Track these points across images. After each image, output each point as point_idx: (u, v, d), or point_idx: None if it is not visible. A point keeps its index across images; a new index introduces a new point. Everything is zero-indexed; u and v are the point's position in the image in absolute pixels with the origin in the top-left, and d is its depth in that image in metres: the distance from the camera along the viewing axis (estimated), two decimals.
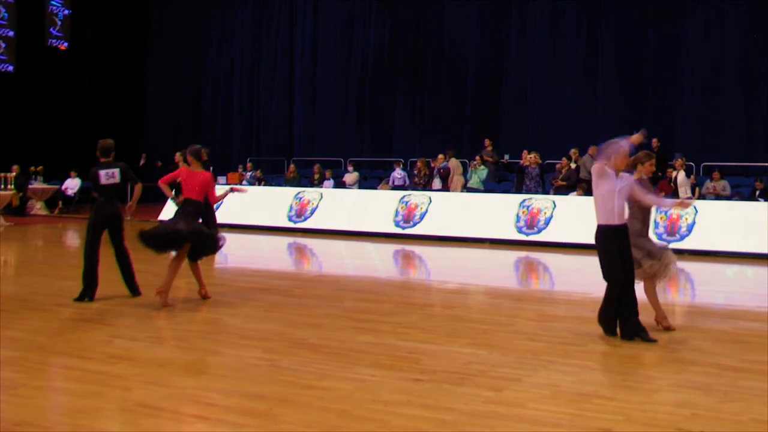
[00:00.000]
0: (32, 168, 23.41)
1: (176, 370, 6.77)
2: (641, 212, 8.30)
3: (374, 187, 21.67)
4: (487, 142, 21.20)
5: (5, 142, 24.75)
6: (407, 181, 22.29)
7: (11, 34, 26.51)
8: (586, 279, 11.70)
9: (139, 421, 5.48)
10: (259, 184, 22.59)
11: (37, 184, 23.23)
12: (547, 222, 16.62)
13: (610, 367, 7.09)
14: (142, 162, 25.77)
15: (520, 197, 17.44)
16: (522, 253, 15.67)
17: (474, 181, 19.52)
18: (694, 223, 15.44)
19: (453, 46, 24.86)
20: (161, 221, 10.23)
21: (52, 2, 27.78)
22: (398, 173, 22.38)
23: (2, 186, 20.59)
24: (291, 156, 25.93)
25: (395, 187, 22.26)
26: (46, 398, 6.23)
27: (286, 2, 27.79)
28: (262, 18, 28.28)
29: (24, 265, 13.71)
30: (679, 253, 14.64)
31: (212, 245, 9.99)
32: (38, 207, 23.19)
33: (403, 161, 22.81)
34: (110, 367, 6.87)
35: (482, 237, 16.87)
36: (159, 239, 9.53)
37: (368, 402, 5.97)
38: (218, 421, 5.52)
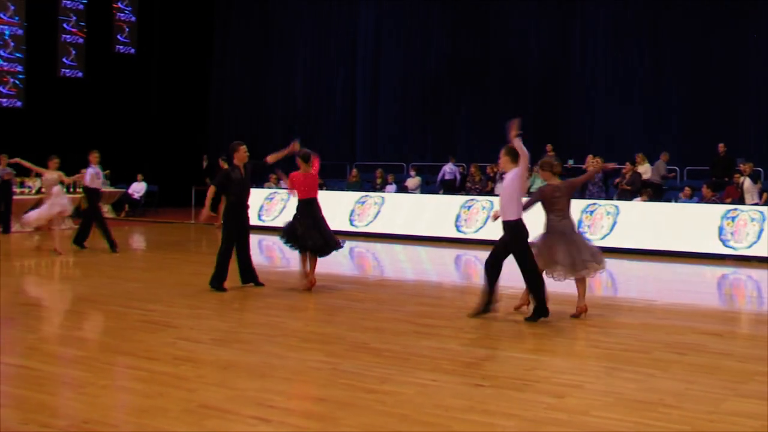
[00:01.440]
0: (106, 171, 23.84)
1: (239, 373, 6.83)
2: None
3: (436, 192, 21.66)
4: (548, 147, 21.01)
5: (74, 146, 25.21)
6: (458, 177, 22.28)
7: (80, 41, 27.07)
8: (651, 286, 11.55)
9: (202, 422, 5.54)
10: (320, 189, 22.65)
11: (104, 188, 23.64)
12: (612, 228, 16.42)
13: (675, 375, 6.94)
14: (204, 164, 26.19)
15: (583, 202, 17.25)
16: None
17: (536, 186, 19.36)
18: (762, 230, 15.14)
19: (515, 50, 24.72)
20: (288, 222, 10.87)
21: (120, 9, 28.31)
22: (449, 167, 22.35)
23: (71, 189, 21.02)
24: (353, 161, 26.02)
25: (444, 182, 22.29)
26: (112, 397, 6.33)
27: (348, 6, 27.91)
28: (324, 22, 28.42)
29: (92, 266, 13.97)
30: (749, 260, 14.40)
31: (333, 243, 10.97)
32: (105, 210, 23.62)
33: (455, 156, 22.84)
34: (174, 368, 6.96)
35: None
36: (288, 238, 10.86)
37: (429, 407, 5.96)
38: (280, 424, 5.55)
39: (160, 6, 29.23)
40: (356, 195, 20.09)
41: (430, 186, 22.98)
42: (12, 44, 25.12)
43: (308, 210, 10.95)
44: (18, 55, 25.27)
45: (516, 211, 9.21)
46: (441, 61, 26.05)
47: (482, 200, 18.36)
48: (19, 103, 25.38)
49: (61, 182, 15.97)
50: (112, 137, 26.33)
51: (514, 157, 9.40)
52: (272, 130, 28.91)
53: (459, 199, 18.83)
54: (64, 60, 26.61)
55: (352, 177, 23.17)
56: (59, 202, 15.61)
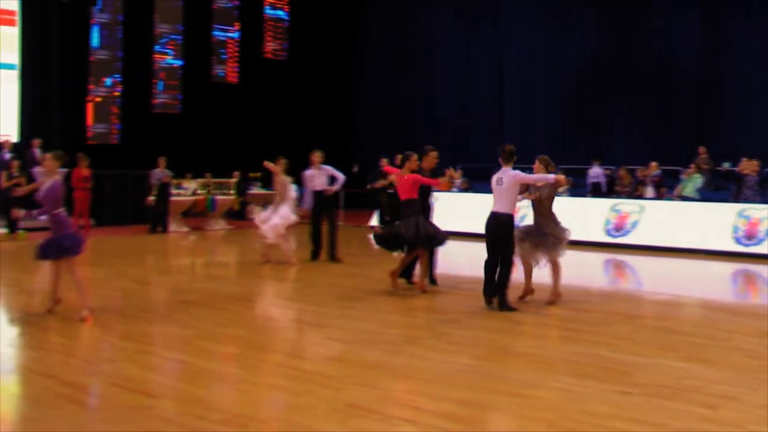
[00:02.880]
0: (251, 174, 24.53)
1: (385, 373, 6.91)
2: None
3: (586, 196, 21.29)
4: (701, 149, 20.34)
5: (227, 149, 26.10)
6: (604, 180, 21.83)
7: (236, 46, 28.02)
8: None
9: (348, 421, 5.64)
10: (466, 192, 22.73)
11: (256, 190, 24.30)
12: None
13: None
14: (355, 169, 26.64)
15: (738, 206, 16.62)
16: (740, 265, 14.94)
17: (689, 189, 18.78)
18: None
19: (668, 52, 24.04)
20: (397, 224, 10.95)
21: (270, 14, 29.14)
22: (594, 171, 21.91)
23: (224, 191, 21.77)
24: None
25: (593, 185, 21.90)
26: (263, 394, 6.51)
27: (495, 9, 27.78)
28: (471, 26, 28.39)
29: (244, 266, 14.41)
30: None
31: (435, 240, 10.96)
32: (257, 211, 24.24)
33: (603, 159, 22.42)
34: (322, 367, 7.11)
35: (696, 248, 16.20)
36: (387, 240, 10.91)
37: (575, 413, 5.88)
38: (425, 425, 5.59)
39: (310, 13, 29.87)
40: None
41: (579, 189, 22.59)
42: (170, 50, 26.21)
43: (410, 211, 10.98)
44: (178, 62, 26.33)
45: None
46: (590, 63, 25.60)
47: (632, 204, 17.94)
48: (177, 107, 26.44)
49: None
50: (263, 140, 27.09)
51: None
52: (419, 134, 29.03)
53: (608, 203, 18.45)
54: (217, 64, 27.60)
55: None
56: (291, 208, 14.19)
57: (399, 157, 11.60)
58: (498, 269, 9.79)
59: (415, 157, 11.17)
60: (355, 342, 8.06)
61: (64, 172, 20.08)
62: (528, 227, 10.49)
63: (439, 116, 29.01)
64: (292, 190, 14.35)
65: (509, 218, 9.81)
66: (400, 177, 11.02)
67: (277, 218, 13.91)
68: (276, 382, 6.83)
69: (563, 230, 10.39)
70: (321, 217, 14.34)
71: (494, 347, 7.89)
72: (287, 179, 14.16)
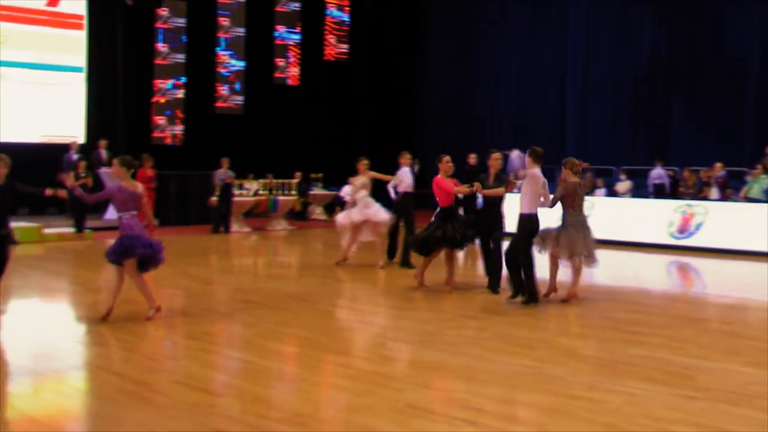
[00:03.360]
0: (312, 175, 24.68)
1: (446, 374, 6.91)
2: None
3: (647, 196, 21.00)
4: None
5: (289, 150, 26.31)
6: (667, 181, 21.51)
7: (298, 48, 28.24)
8: None
9: (408, 422, 5.64)
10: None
11: (317, 190, 24.44)
12: None
13: None
14: (416, 168, 26.66)
15: None
16: None
17: (755, 191, 18.38)
18: None
19: (733, 49, 23.59)
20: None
21: (331, 16, 29.31)
22: (657, 172, 21.61)
23: (286, 192, 21.93)
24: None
25: (655, 186, 21.61)
26: (323, 393, 6.56)
27: (557, 9, 27.57)
28: (533, 26, 28.21)
29: (305, 267, 14.49)
30: None
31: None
32: (318, 212, 24.42)
33: (665, 160, 22.13)
34: (383, 367, 7.13)
35: (763, 250, 15.86)
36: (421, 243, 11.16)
37: (638, 416, 5.81)
38: (485, 427, 5.57)
39: (371, 14, 29.95)
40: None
41: (640, 190, 22.30)
42: (232, 52, 26.51)
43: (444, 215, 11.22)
44: (241, 64, 26.61)
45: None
46: (653, 61, 25.26)
47: (696, 205, 17.64)
48: (240, 109, 26.73)
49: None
50: (324, 141, 27.24)
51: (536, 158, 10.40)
52: (480, 134, 28.98)
53: (671, 204, 18.17)
54: (278, 65, 27.85)
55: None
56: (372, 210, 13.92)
57: (472, 156, 11.72)
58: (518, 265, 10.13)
59: (446, 158, 11.44)
60: (415, 343, 8.07)
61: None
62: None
63: (500, 116, 28.90)
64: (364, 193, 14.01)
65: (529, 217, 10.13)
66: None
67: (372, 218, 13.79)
68: (336, 381, 6.86)
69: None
70: (399, 220, 14.02)
71: (556, 349, 7.83)
72: (364, 179, 13.96)
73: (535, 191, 10.13)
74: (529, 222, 10.08)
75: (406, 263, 13.49)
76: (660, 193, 21.32)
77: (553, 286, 10.75)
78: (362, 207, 13.75)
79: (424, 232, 11.13)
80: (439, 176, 11.28)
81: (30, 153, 19.40)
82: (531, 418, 5.72)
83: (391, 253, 14.09)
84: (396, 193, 14.28)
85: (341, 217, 14.09)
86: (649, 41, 25.41)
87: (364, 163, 13.88)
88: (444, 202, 11.17)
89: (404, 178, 13.95)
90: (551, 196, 10.44)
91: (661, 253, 16.50)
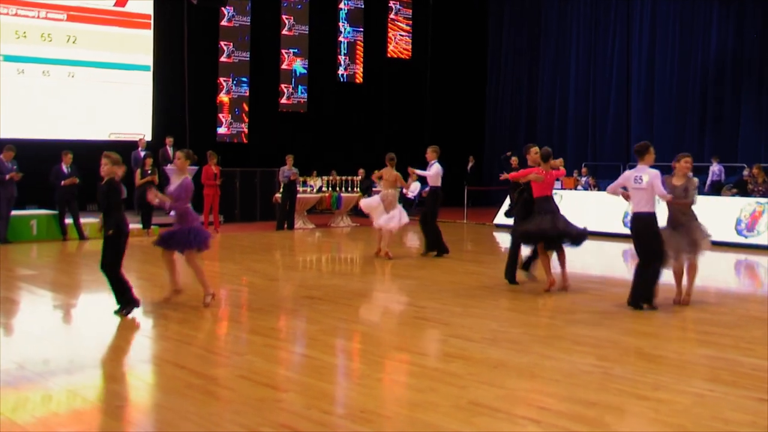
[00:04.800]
0: (376, 172, 24.73)
1: (510, 372, 6.86)
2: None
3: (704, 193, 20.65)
4: None
5: (354, 148, 26.42)
6: (723, 178, 21.36)
7: (360, 48, 28.36)
8: None
9: (472, 419, 5.62)
10: (592, 190, 22.40)
11: (380, 187, 24.45)
12: None
13: None
14: (470, 165, 26.82)
15: None
16: None
17: None
18: None
19: None
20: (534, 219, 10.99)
21: (394, 13, 29.34)
22: (716, 168, 21.43)
23: (349, 189, 22.01)
24: (627, 161, 25.33)
25: (712, 182, 21.39)
26: (386, 389, 6.57)
27: (622, 4, 27.24)
28: (598, 22, 27.94)
29: (368, 263, 14.51)
30: None
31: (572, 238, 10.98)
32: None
33: (719, 156, 21.99)
34: (446, 364, 7.11)
35: None
36: (527, 236, 11.00)
37: (707, 418, 5.71)
38: (549, 425, 5.52)
39: (433, 12, 29.91)
40: None
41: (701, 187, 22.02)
42: (297, 50, 26.69)
43: (545, 206, 11.00)
44: (305, 62, 26.78)
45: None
46: (721, 57, 24.81)
47: (765, 203, 17.26)
48: (304, 106, 26.91)
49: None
50: (389, 139, 27.28)
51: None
52: (545, 130, 28.80)
53: (740, 202, 17.81)
54: (342, 64, 27.98)
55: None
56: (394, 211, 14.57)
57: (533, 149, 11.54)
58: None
59: (534, 149, 11.35)
60: (478, 340, 8.03)
61: (194, 170, 20.81)
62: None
63: (564, 111, 28.67)
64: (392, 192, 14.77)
65: (651, 217, 9.59)
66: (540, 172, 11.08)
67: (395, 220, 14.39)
68: (399, 378, 6.87)
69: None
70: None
71: (622, 348, 7.73)
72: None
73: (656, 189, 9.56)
74: (656, 221, 9.65)
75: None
76: (717, 190, 21.04)
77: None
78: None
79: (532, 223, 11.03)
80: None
81: (99, 150, 19.67)
82: (596, 418, 5.65)
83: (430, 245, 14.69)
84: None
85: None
86: (717, 35, 24.96)
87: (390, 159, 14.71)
88: (536, 192, 11.03)
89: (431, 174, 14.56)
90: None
91: (729, 252, 16.18)
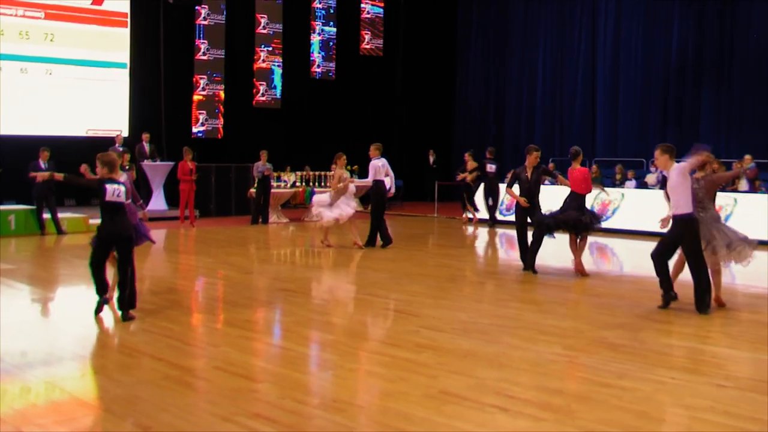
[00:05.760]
0: (348, 167, 24.85)
1: (479, 362, 7.03)
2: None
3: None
4: None
5: (327, 144, 26.49)
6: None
7: (332, 43, 28.45)
8: None
9: (442, 408, 5.77)
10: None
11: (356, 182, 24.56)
12: None
13: None
14: (431, 160, 27.22)
15: None
16: None
17: None
18: None
19: (762, 40, 23.39)
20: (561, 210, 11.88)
21: (367, 11, 29.45)
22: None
23: (322, 184, 22.09)
24: (593, 156, 25.61)
25: (665, 178, 21.54)
26: (359, 379, 6.71)
27: (587, 3, 27.50)
28: (564, 20, 28.13)
29: (341, 256, 14.61)
30: None
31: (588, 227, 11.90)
32: (354, 204, 24.54)
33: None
34: (417, 355, 7.27)
35: None
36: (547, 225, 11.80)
37: (668, 405, 5.92)
38: (517, 414, 5.69)
39: (405, 9, 30.05)
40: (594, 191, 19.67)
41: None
42: (269, 47, 26.74)
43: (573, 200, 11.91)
44: (278, 59, 26.82)
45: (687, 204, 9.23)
46: (682, 55, 25.10)
47: (724, 197, 17.42)
48: (277, 103, 26.96)
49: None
50: (359, 135, 27.42)
51: (672, 154, 9.54)
52: (513, 126, 29.06)
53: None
54: (315, 60, 28.06)
55: (592, 173, 22.88)
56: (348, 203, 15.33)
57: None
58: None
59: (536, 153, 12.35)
60: (448, 331, 8.20)
61: (170, 165, 20.84)
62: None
63: (532, 108, 28.90)
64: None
65: (689, 217, 9.21)
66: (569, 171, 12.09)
67: (336, 211, 14.98)
68: (371, 368, 7.01)
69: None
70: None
71: (587, 338, 7.92)
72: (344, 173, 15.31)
73: (688, 183, 9.34)
74: (694, 221, 9.27)
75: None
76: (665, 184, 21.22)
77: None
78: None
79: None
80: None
81: (76, 146, 19.78)
82: (562, 406, 5.83)
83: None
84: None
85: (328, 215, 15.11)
86: (678, 34, 25.22)
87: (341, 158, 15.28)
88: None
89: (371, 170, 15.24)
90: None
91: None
